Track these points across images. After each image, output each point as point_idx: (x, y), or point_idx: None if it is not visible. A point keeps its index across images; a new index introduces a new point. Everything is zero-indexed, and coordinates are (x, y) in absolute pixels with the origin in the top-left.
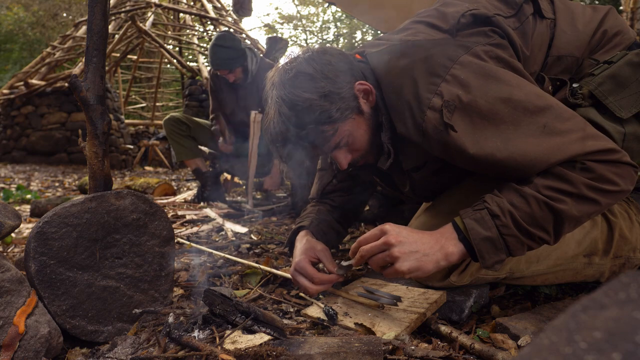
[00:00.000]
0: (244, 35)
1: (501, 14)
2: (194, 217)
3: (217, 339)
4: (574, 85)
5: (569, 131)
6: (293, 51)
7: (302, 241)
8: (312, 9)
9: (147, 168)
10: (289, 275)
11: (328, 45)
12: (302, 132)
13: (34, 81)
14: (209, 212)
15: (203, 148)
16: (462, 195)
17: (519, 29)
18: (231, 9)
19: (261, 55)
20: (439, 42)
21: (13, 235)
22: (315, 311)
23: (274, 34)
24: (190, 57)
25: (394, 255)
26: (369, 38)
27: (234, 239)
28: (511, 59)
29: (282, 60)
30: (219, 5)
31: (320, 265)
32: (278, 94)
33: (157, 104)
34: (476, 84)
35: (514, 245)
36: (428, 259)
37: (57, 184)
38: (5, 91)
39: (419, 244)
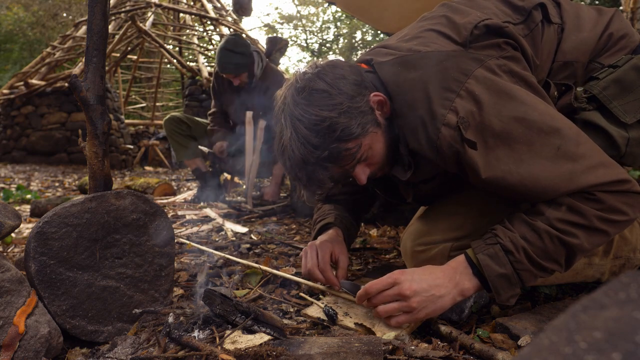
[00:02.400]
0: (243, 36)
1: (510, 21)
2: (194, 217)
3: (217, 339)
4: (578, 89)
5: (582, 157)
6: (299, 68)
7: (335, 234)
8: (312, 9)
9: (147, 168)
10: (289, 276)
11: (334, 57)
12: (324, 153)
13: (34, 81)
14: (209, 212)
15: (203, 148)
16: (460, 201)
17: (529, 36)
18: (231, 9)
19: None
20: (451, 54)
21: (13, 235)
22: (315, 311)
23: (274, 34)
24: (190, 57)
25: (412, 306)
26: (369, 38)
27: (234, 239)
28: (524, 72)
29: (290, 79)
30: (219, 5)
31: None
32: (293, 114)
33: (157, 104)
34: (490, 101)
35: (528, 278)
36: (444, 299)
37: (57, 184)
38: (5, 91)
39: (434, 287)
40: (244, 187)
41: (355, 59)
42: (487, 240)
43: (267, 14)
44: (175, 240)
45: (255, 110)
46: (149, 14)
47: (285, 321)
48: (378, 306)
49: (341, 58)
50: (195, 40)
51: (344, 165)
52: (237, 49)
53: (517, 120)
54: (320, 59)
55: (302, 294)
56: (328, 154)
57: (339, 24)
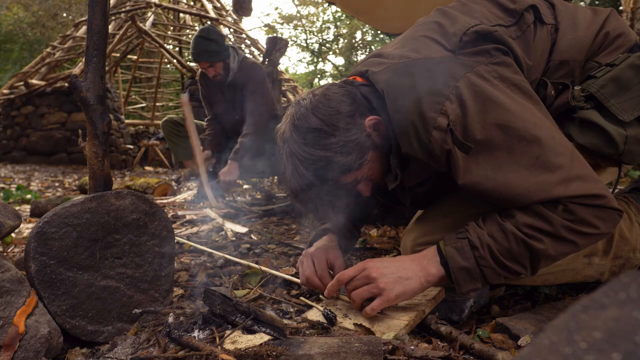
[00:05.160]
0: (243, 36)
1: (502, 24)
2: (194, 217)
3: (217, 339)
4: (576, 88)
5: (560, 168)
6: (296, 99)
7: (328, 240)
8: (312, 9)
9: (147, 168)
10: (288, 276)
11: (329, 84)
12: (322, 188)
13: (34, 81)
14: (209, 212)
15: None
16: (458, 200)
17: (521, 37)
18: (231, 9)
19: (261, 56)
20: (441, 60)
21: (13, 235)
22: (315, 314)
23: (274, 34)
24: (190, 57)
25: (380, 287)
26: (369, 38)
27: (234, 239)
28: (515, 77)
29: (289, 109)
30: (219, 5)
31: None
32: (292, 152)
33: (157, 104)
34: (474, 107)
35: (490, 275)
36: (412, 281)
37: (57, 184)
38: (5, 91)
39: (401, 270)
40: (244, 186)
41: (356, 61)
42: (458, 234)
43: (267, 14)
44: (175, 240)
45: (242, 107)
46: (149, 14)
47: (285, 321)
48: (351, 293)
49: (342, 57)
50: None
51: (345, 195)
52: (210, 36)
53: (500, 128)
54: (316, 81)
55: (302, 298)
56: (327, 189)
57: (339, 24)
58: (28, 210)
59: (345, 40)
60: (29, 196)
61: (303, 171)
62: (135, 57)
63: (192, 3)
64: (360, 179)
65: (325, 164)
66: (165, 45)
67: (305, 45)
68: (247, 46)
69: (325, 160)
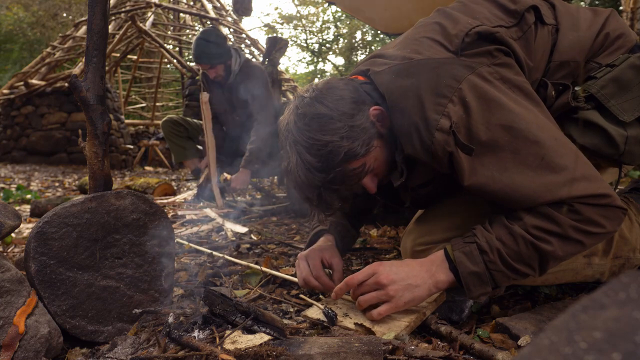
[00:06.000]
0: (243, 36)
1: (503, 25)
2: (194, 217)
3: (217, 339)
4: (576, 88)
5: (564, 169)
6: (298, 92)
7: (324, 241)
8: (312, 9)
9: (147, 168)
10: (288, 277)
11: (330, 76)
12: (329, 176)
13: (34, 81)
14: (209, 212)
15: (201, 147)
16: (459, 201)
17: (522, 38)
18: (231, 9)
19: (261, 56)
20: (443, 61)
21: (13, 235)
22: (315, 313)
23: (274, 34)
24: (190, 57)
25: (389, 294)
26: (369, 38)
27: (234, 239)
28: (517, 78)
29: (291, 103)
30: (219, 5)
31: (327, 270)
32: (296, 140)
33: (157, 104)
34: (478, 109)
35: (500, 278)
36: (420, 289)
37: (57, 184)
38: (5, 91)
39: (410, 277)
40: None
41: (356, 61)
42: (466, 238)
43: (267, 14)
44: (175, 240)
45: (243, 108)
46: (149, 14)
47: (285, 321)
48: (359, 297)
49: (342, 57)
50: None
51: (352, 184)
52: (211, 39)
53: (504, 129)
54: (316, 81)
55: (302, 296)
56: (333, 176)
57: (339, 24)
58: (28, 210)
59: (345, 40)
60: (29, 196)
61: (308, 158)
62: (135, 57)
63: (192, 3)
64: (367, 168)
65: (331, 149)
66: (165, 45)
67: (305, 45)
68: (247, 46)
69: (331, 145)
